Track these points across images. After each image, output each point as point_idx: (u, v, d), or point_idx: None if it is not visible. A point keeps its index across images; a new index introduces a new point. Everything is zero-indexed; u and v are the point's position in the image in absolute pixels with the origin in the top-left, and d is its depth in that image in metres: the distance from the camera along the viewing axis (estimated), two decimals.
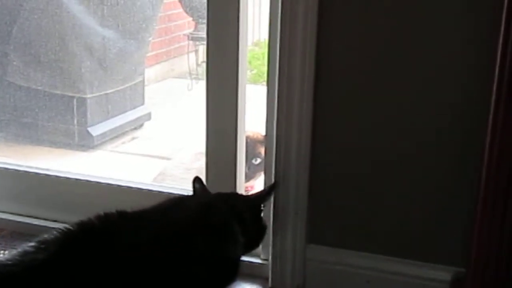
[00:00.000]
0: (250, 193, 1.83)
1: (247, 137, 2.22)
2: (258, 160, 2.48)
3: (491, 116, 1.43)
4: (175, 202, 1.62)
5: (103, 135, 3.01)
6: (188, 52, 3.49)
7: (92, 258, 1.37)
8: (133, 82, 3.10)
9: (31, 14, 2.73)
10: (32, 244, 1.38)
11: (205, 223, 1.54)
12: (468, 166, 1.62)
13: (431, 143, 1.67)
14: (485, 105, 1.46)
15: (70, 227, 1.43)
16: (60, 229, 1.42)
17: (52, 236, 1.40)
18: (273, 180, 1.78)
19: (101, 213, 1.47)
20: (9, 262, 1.35)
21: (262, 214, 1.72)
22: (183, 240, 1.48)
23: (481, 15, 1.55)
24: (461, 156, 1.64)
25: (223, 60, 1.85)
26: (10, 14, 2.71)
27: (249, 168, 2.46)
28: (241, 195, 1.80)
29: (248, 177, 2.44)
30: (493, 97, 1.41)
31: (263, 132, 1.83)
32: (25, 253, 1.36)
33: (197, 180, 1.72)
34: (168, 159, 3.00)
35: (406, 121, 1.67)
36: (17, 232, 2.07)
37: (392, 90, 1.67)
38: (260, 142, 2.33)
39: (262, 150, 1.89)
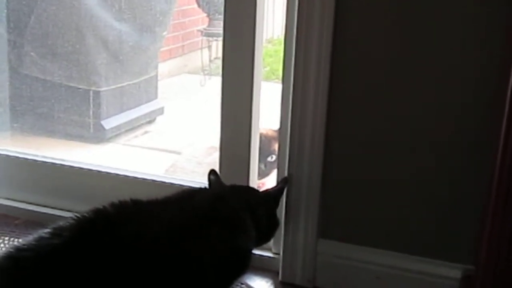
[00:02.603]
0: (261, 189, 1.83)
1: (262, 135, 2.22)
2: (274, 158, 2.48)
3: (505, 115, 1.43)
4: (189, 193, 1.64)
5: (116, 128, 3.02)
6: (201, 48, 3.48)
7: (106, 245, 1.38)
8: (147, 76, 3.10)
9: (48, 6, 2.73)
10: (47, 230, 1.40)
11: (215, 214, 1.55)
12: (479, 164, 1.63)
13: (444, 142, 1.67)
14: (499, 105, 1.47)
15: (85, 214, 1.45)
16: (75, 215, 1.44)
17: (67, 223, 1.42)
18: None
19: (116, 201, 1.49)
20: (25, 247, 1.37)
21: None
22: (193, 230, 1.49)
23: (495, 16, 1.55)
24: (472, 154, 1.65)
25: (239, 56, 1.86)
26: (28, 6, 2.71)
27: (265, 166, 2.47)
28: (257, 190, 1.80)
29: (263, 175, 2.45)
30: (508, 97, 1.42)
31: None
32: (40, 239, 1.38)
33: (212, 172, 1.74)
34: (179, 153, 3.01)
35: (419, 119, 1.68)
36: (32, 221, 2.09)
37: (406, 89, 1.67)
38: (276, 139, 2.32)
39: (277, 148, 1.89)
